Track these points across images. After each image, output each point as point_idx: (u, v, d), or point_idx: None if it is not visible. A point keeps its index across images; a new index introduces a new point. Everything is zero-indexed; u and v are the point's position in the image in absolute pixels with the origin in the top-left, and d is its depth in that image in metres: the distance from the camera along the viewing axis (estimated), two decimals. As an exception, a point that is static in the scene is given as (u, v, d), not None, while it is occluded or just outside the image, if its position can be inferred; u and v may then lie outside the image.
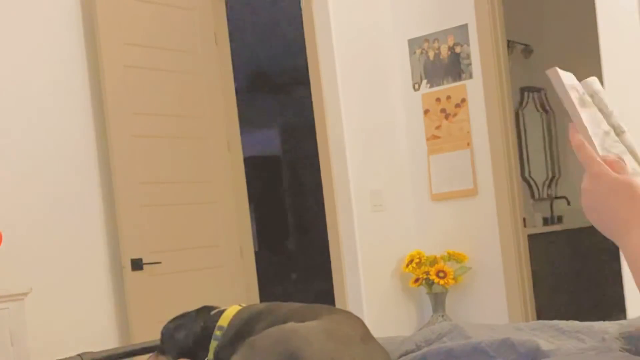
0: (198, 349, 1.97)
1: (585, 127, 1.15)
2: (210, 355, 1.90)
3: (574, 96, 1.20)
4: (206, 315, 2.00)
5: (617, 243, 1.10)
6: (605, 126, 1.19)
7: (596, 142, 1.14)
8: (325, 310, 1.72)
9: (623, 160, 1.13)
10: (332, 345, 1.50)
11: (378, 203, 4.32)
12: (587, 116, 1.18)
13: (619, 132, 1.20)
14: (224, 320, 1.92)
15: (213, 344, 1.91)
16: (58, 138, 3.87)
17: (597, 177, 1.09)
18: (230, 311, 1.94)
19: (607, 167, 1.09)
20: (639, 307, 3.43)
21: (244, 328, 1.82)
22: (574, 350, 1.53)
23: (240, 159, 4.74)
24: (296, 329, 1.53)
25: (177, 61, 4.30)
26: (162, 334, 2.11)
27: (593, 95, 1.23)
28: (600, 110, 1.22)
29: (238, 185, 4.69)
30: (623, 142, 1.18)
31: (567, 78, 1.24)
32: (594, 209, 1.11)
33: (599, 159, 1.10)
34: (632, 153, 1.17)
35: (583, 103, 1.20)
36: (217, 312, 1.98)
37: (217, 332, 1.91)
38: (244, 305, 2.00)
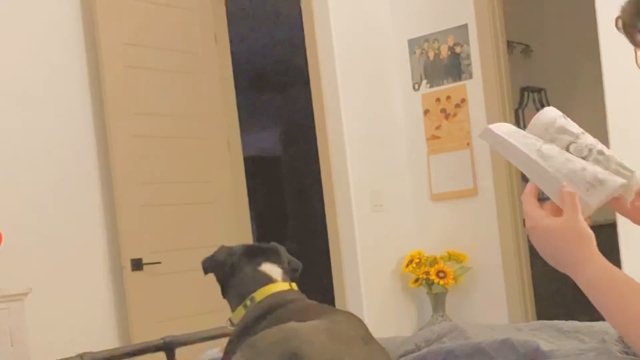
0: (227, 288, 1.95)
1: (537, 163, 1.19)
2: (236, 320, 1.86)
3: (516, 142, 1.24)
4: (251, 265, 1.94)
5: (575, 280, 1.18)
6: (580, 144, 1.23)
7: (563, 171, 1.18)
8: (326, 311, 1.72)
9: (595, 184, 1.17)
10: (333, 345, 1.50)
11: (378, 203, 4.32)
12: (545, 151, 1.21)
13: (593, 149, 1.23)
14: (259, 294, 1.87)
15: (241, 311, 1.87)
16: (58, 138, 3.87)
17: (534, 231, 1.18)
18: (269, 289, 1.88)
19: (543, 218, 1.17)
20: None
21: (254, 322, 1.80)
22: (574, 351, 1.53)
23: (240, 159, 4.74)
24: (297, 329, 1.53)
25: (177, 61, 4.30)
26: (203, 264, 2.08)
27: (548, 129, 1.26)
28: (563, 136, 1.25)
29: (238, 185, 4.69)
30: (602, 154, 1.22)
31: (503, 128, 1.28)
32: (545, 256, 1.19)
33: (535, 210, 1.18)
34: (615, 161, 1.21)
35: (539, 141, 1.24)
36: (262, 277, 1.92)
37: (248, 302, 1.87)
38: (287, 287, 1.92)
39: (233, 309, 1.93)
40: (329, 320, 1.61)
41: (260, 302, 1.86)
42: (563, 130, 1.23)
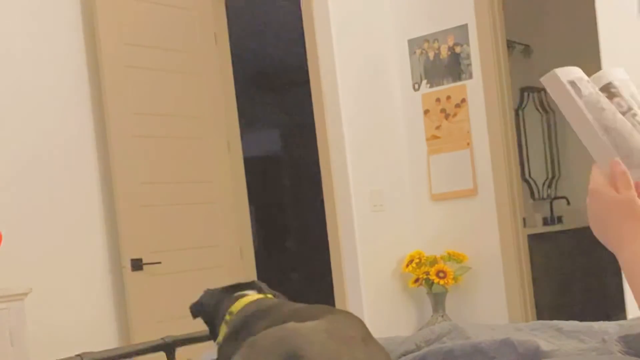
0: (213, 328, 1.98)
1: (591, 126, 1.16)
2: (220, 339, 1.89)
3: (576, 94, 1.20)
4: (229, 295, 1.98)
5: (617, 256, 1.17)
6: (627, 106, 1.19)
7: (610, 138, 1.15)
8: (326, 311, 1.72)
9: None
10: (333, 345, 1.50)
11: (378, 203, 4.32)
12: (601, 111, 1.17)
13: None
14: (236, 307, 1.91)
15: (223, 328, 1.91)
16: (58, 138, 3.87)
17: (594, 194, 1.17)
18: (246, 299, 1.93)
19: (605, 186, 1.15)
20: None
21: (247, 323, 1.81)
22: (574, 351, 1.53)
23: (240, 159, 4.74)
24: (297, 329, 1.53)
25: (177, 61, 4.31)
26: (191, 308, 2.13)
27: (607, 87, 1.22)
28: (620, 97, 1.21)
29: (238, 185, 4.69)
30: None
31: (568, 74, 1.22)
32: (594, 224, 1.19)
33: (601, 177, 1.16)
34: None
35: (592, 98, 1.20)
36: (238, 295, 1.97)
37: (227, 317, 1.90)
38: (261, 295, 1.96)
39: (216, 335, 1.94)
40: (329, 320, 1.61)
41: (239, 311, 1.88)
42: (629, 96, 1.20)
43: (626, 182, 1.15)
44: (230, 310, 1.91)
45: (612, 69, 1.25)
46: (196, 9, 4.47)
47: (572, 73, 1.21)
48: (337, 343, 1.51)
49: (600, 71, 1.25)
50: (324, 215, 4.28)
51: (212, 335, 2.02)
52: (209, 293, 2.06)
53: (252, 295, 1.94)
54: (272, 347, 1.48)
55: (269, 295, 1.99)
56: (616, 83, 1.22)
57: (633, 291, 1.15)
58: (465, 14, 4.31)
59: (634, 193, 1.15)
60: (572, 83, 1.20)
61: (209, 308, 2.01)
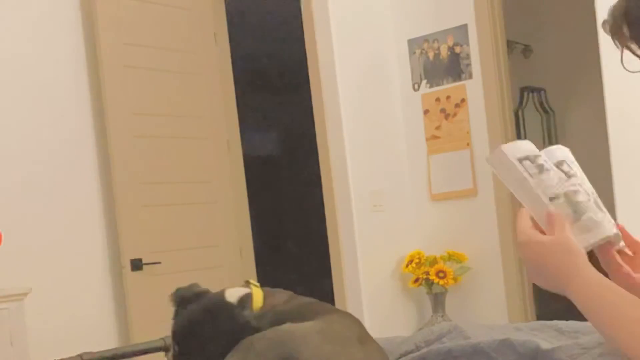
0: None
1: (531, 189, 1.21)
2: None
3: (519, 168, 1.25)
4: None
5: (565, 294, 1.18)
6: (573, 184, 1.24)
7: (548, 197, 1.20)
8: (322, 311, 1.72)
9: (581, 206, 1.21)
10: (329, 346, 1.50)
11: (378, 203, 4.32)
12: (543, 180, 1.23)
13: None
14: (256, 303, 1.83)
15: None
16: (58, 138, 3.87)
17: (528, 244, 1.20)
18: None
19: (536, 233, 1.19)
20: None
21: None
22: (577, 349, 1.53)
23: (240, 159, 4.74)
24: (292, 331, 1.53)
25: (177, 61, 4.31)
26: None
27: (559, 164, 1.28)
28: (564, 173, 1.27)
29: (238, 185, 4.69)
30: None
31: (516, 151, 1.28)
32: (535, 272, 1.21)
33: (529, 224, 1.20)
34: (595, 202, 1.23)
35: (538, 169, 1.25)
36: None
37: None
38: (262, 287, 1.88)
39: None
40: (324, 321, 1.61)
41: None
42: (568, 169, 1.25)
43: (562, 225, 1.19)
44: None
45: (557, 149, 1.30)
46: (196, 9, 4.47)
47: (520, 150, 1.27)
48: (333, 344, 1.51)
49: (551, 147, 1.29)
50: (324, 215, 4.28)
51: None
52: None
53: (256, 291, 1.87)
54: (268, 349, 1.48)
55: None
56: (569, 162, 1.27)
57: (592, 323, 1.16)
58: (465, 14, 4.31)
59: (569, 234, 1.18)
60: (523, 160, 1.25)
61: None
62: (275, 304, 1.75)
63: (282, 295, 1.83)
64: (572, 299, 1.18)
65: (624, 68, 1.22)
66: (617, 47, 1.24)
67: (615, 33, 1.25)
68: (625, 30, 1.21)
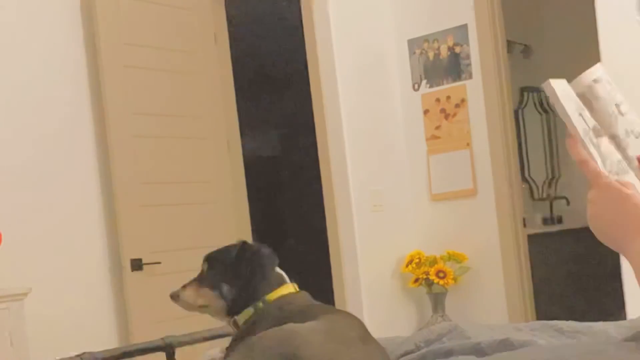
0: (238, 299, 1.89)
1: (585, 143, 1.16)
2: (241, 320, 1.84)
3: (570, 109, 1.21)
4: (265, 272, 1.88)
5: (622, 251, 1.13)
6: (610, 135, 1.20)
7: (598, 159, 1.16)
8: (324, 311, 1.72)
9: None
10: (332, 346, 1.50)
11: (378, 203, 4.32)
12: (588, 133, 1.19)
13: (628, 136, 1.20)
14: (272, 296, 1.84)
15: (248, 312, 1.85)
16: (57, 138, 3.87)
17: (606, 188, 1.13)
18: (281, 290, 1.85)
19: (614, 180, 1.12)
20: (639, 307, 3.43)
21: (266, 315, 1.78)
22: (595, 346, 1.51)
23: (240, 159, 4.74)
24: (295, 330, 1.53)
25: (177, 61, 4.30)
26: (209, 259, 2.03)
27: (594, 99, 1.23)
28: (604, 115, 1.22)
29: (238, 185, 4.69)
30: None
31: (562, 87, 1.24)
32: (600, 219, 1.14)
33: (604, 172, 1.13)
34: None
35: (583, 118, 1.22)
36: (276, 278, 1.88)
37: (260, 304, 1.85)
38: (293, 289, 1.88)
39: (237, 311, 1.89)
40: (327, 321, 1.61)
41: (270, 303, 1.84)
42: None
43: (628, 183, 1.14)
44: (266, 297, 1.83)
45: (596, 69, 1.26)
46: (196, 9, 4.47)
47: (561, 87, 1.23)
48: (335, 343, 1.51)
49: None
50: (324, 215, 4.28)
51: (225, 289, 1.91)
52: (234, 249, 1.96)
53: (286, 287, 1.87)
54: (271, 348, 1.48)
55: (296, 287, 1.92)
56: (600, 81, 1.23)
57: None
58: (465, 14, 4.31)
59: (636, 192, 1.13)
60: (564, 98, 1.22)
61: (240, 266, 1.91)
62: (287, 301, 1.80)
63: (301, 300, 1.86)
64: (629, 259, 1.12)
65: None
66: None
67: None
68: None
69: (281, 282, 1.89)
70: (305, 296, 1.90)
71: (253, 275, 1.90)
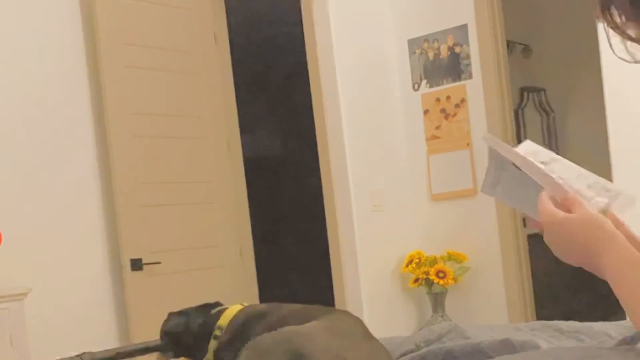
0: (197, 349, 1.94)
1: (547, 175, 1.20)
2: (210, 355, 1.87)
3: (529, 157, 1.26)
4: (206, 313, 1.96)
5: (593, 270, 1.17)
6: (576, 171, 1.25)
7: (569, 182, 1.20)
8: (323, 311, 1.72)
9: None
10: (336, 341, 1.50)
11: (378, 203, 4.32)
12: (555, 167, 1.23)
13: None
14: (224, 320, 1.88)
15: (212, 344, 1.88)
16: (58, 138, 3.87)
17: (553, 225, 1.18)
18: (231, 311, 1.90)
19: (560, 213, 1.17)
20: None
21: (243, 329, 1.80)
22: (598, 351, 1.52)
23: (240, 159, 4.74)
24: (298, 330, 1.53)
25: (177, 61, 4.31)
26: (162, 332, 2.06)
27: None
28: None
29: (238, 185, 4.69)
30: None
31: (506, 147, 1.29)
32: (563, 251, 1.19)
33: (550, 205, 1.18)
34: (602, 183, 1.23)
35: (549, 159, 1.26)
36: (218, 310, 1.94)
37: (217, 332, 1.88)
38: (245, 304, 1.96)
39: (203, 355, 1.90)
40: (328, 319, 1.61)
41: (230, 322, 1.84)
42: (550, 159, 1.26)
43: (579, 204, 1.17)
44: (218, 324, 1.87)
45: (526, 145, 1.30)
46: (196, 9, 4.47)
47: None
48: (340, 339, 1.51)
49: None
50: (324, 215, 4.28)
51: (191, 353, 1.95)
52: (174, 317, 1.97)
53: (234, 307, 1.90)
54: (275, 347, 1.47)
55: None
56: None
57: (621, 300, 1.15)
58: (465, 14, 4.31)
59: (589, 210, 1.17)
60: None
61: (181, 330, 1.93)
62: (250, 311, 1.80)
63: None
64: (603, 274, 1.15)
65: (617, 56, 1.19)
66: (607, 32, 1.21)
67: (604, 14, 1.21)
68: (617, 9, 1.17)
69: (224, 309, 1.90)
70: (265, 304, 1.91)
71: (186, 333, 1.92)
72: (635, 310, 1.13)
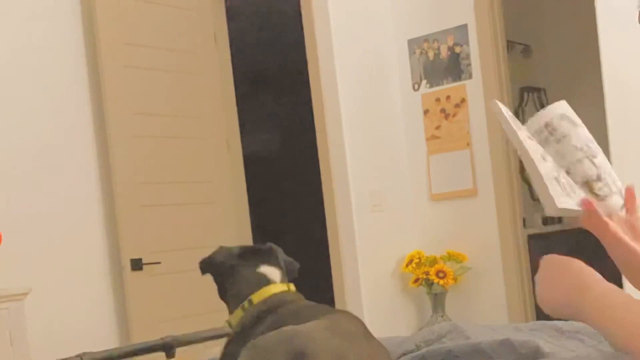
0: (225, 289, 1.94)
1: (539, 175, 1.21)
2: (234, 322, 1.86)
3: (522, 136, 1.25)
4: (253, 269, 1.92)
5: (579, 311, 1.18)
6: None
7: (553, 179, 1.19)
8: (324, 311, 1.72)
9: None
10: (337, 341, 1.50)
11: (377, 203, 4.32)
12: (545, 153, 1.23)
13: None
14: (257, 296, 1.86)
15: (239, 312, 1.86)
16: (58, 138, 3.87)
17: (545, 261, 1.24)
18: (267, 291, 1.87)
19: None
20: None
21: (258, 321, 1.79)
22: (583, 353, 1.52)
23: (240, 159, 4.74)
24: (298, 329, 1.53)
25: (177, 61, 4.31)
26: (206, 262, 2.09)
27: (553, 132, 1.28)
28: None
29: (238, 185, 4.69)
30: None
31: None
32: (548, 289, 1.23)
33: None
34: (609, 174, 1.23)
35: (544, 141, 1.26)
36: (258, 280, 1.91)
37: (246, 304, 1.86)
38: (283, 287, 1.91)
39: (231, 311, 1.92)
40: (329, 319, 1.61)
41: (257, 304, 1.85)
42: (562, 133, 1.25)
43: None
44: (250, 298, 1.86)
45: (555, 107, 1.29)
46: (196, 9, 4.47)
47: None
48: (340, 339, 1.51)
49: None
50: (324, 215, 4.28)
51: (220, 295, 1.98)
52: (223, 252, 2.02)
53: (274, 286, 1.89)
54: (277, 346, 1.48)
55: (291, 286, 1.95)
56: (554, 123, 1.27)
57: (607, 331, 1.15)
58: (465, 14, 4.31)
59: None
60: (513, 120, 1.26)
61: (223, 269, 1.98)
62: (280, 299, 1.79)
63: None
64: (588, 314, 1.17)
65: None
66: None
67: None
68: None
69: (266, 282, 1.89)
70: (297, 296, 1.91)
71: (227, 277, 1.94)
72: (620, 335, 1.14)
